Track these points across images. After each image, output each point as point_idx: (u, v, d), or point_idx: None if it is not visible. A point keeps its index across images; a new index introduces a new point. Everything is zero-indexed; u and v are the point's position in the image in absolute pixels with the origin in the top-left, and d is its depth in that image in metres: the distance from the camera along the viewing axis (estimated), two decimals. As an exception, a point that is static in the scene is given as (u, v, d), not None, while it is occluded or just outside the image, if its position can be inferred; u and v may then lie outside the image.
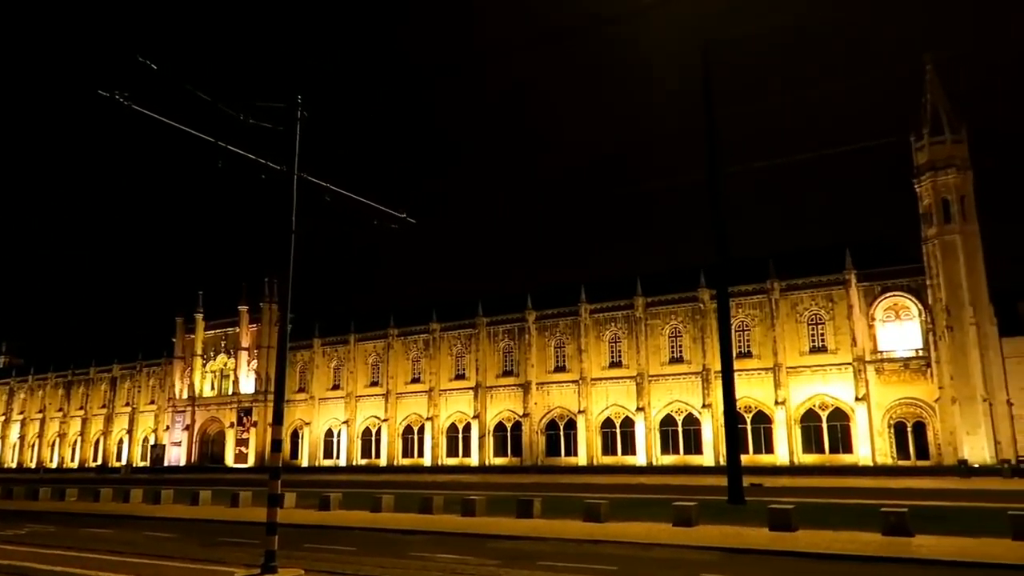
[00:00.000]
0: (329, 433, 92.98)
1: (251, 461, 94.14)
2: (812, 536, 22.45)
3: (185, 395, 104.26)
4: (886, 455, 61.87)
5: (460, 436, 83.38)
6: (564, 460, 75.75)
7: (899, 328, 63.77)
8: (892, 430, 62.53)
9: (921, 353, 61.79)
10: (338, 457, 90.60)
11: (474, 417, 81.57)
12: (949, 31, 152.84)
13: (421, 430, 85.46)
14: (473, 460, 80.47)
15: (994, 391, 57.68)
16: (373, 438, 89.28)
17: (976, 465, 54.32)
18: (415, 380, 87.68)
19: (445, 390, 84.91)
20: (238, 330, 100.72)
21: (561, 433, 77.36)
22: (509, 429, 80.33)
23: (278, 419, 18.45)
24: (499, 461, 79.62)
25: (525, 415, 78.50)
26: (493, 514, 29.92)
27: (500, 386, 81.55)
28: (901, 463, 60.67)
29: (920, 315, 62.34)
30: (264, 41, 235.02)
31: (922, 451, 60.85)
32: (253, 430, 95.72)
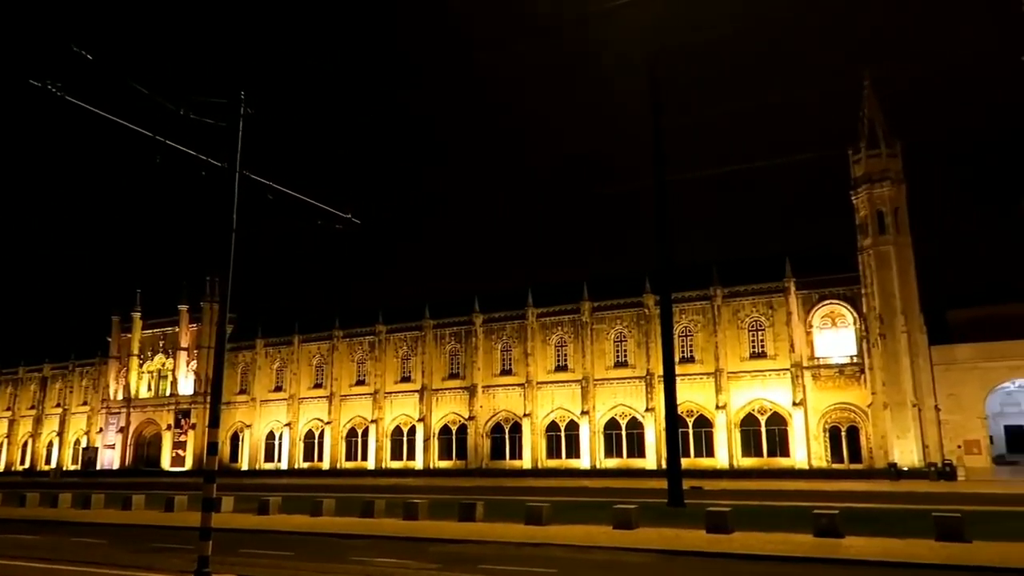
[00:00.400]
0: (271, 436, 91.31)
1: (188, 464, 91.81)
2: (747, 538, 22.97)
3: (120, 396, 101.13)
4: (821, 458, 63.62)
5: (405, 439, 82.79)
6: (509, 463, 75.89)
7: (835, 335, 65.67)
8: (827, 434, 64.34)
9: (855, 360, 63.74)
10: (279, 460, 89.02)
11: (419, 420, 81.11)
12: (890, 47, 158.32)
13: (365, 433, 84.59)
14: (418, 463, 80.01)
15: (923, 397, 59.83)
16: (316, 441, 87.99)
17: (905, 468, 56.26)
18: (360, 382, 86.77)
19: (390, 392, 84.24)
20: (177, 329, 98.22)
21: (506, 436, 77.48)
22: (454, 432, 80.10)
23: (214, 421, 18.04)
24: (444, 464, 79.33)
25: (470, 418, 78.39)
26: (435, 518, 29.81)
27: (446, 389, 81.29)
28: (835, 466, 62.43)
29: (855, 323, 64.31)
30: (215, 35, 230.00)
31: (855, 454, 62.76)
32: (191, 432, 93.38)
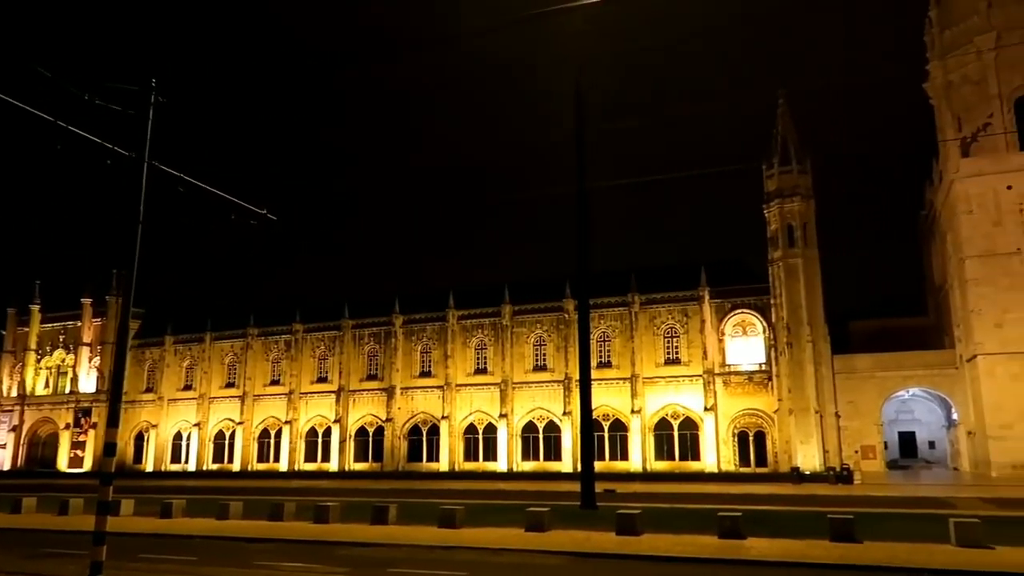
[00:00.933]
0: (178, 436, 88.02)
1: (87, 465, 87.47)
2: (655, 540, 23.53)
3: (14, 393, 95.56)
4: (730, 462, 65.75)
5: (320, 440, 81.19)
6: (426, 466, 75.44)
7: (746, 343, 68.01)
8: (736, 439, 66.56)
9: (764, 367, 66.16)
10: (187, 462, 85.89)
11: (335, 421, 79.71)
12: (806, 65, 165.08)
13: (279, 434, 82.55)
14: (332, 465, 78.58)
15: (825, 404, 62.61)
16: (226, 442, 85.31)
17: (807, 472, 58.73)
18: (274, 382, 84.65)
19: (306, 393, 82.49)
20: (80, 324, 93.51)
21: (424, 439, 76.99)
22: (371, 434, 79.07)
23: (113, 421, 17.29)
24: (359, 466, 78.21)
25: (388, 420, 77.55)
26: (347, 520, 29.36)
27: (364, 390, 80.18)
28: (743, 470, 64.64)
29: (764, 332, 66.76)
30: (127, 19, 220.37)
31: (761, 459, 65.13)
32: (92, 432, 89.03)
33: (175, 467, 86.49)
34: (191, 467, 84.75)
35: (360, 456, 79.06)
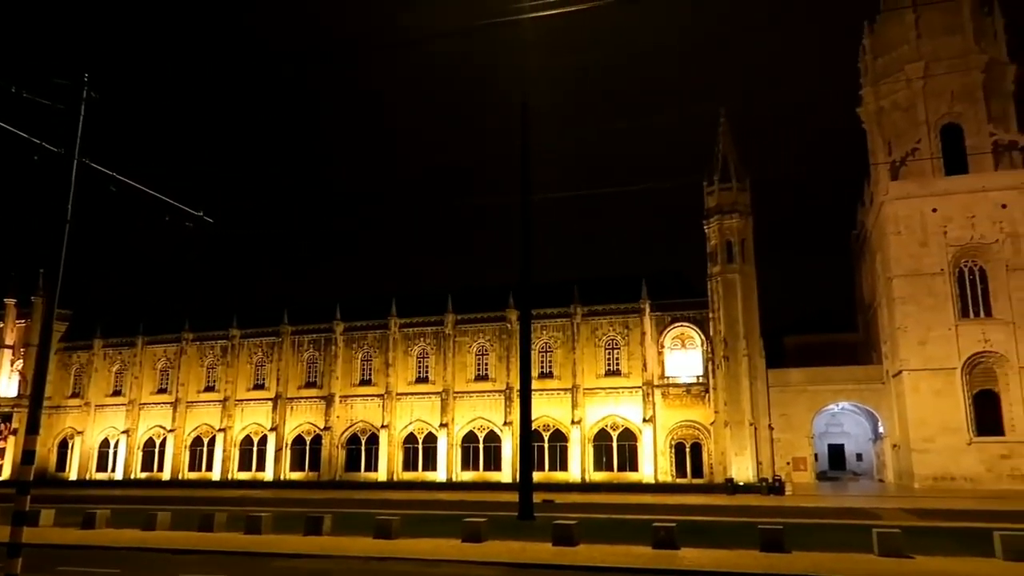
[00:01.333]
0: (105, 443, 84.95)
1: (6, 474, 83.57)
2: (591, 550, 23.67)
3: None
4: (667, 473, 66.69)
5: (255, 449, 79.37)
6: (364, 475, 74.44)
7: (685, 356, 69.21)
8: (673, 450, 67.57)
9: (701, 380, 67.38)
10: (114, 470, 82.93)
11: (271, 429, 78.03)
12: (747, 85, 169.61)
13: (212, 442, 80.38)
14: (267, 474, 76.87)
15: (759, 416, 64.12)
16: (157, 450, 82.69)
17: (741, 483, 59.96)
18: (209, 388, 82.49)
19: (242, 400, 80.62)
20: (2, 325, 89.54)
21: (363, 448, 75.99)
22: (308, 443, 77.67)
23: (33, 427, 16.60)
24: (296, 476, 76.71)
25: (326, 428, 76.30)
26: (280, 531, 28.72)
27: (302, 398, 78.77)
28: (679, 480, 65.64)
29: (702, 345, 68.06)
30: (60, 13, 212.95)
31: (697, 470, 66.26)
32: (12, 439, 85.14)
33: (101, 476, 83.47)
34: (118, 476, 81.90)
35: (296, 465, 77.57)
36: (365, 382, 77.45)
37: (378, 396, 75.72)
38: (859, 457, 76.51)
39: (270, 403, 79.03)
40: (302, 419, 78.21)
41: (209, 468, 79.66)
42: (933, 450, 57.07)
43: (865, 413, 70.29)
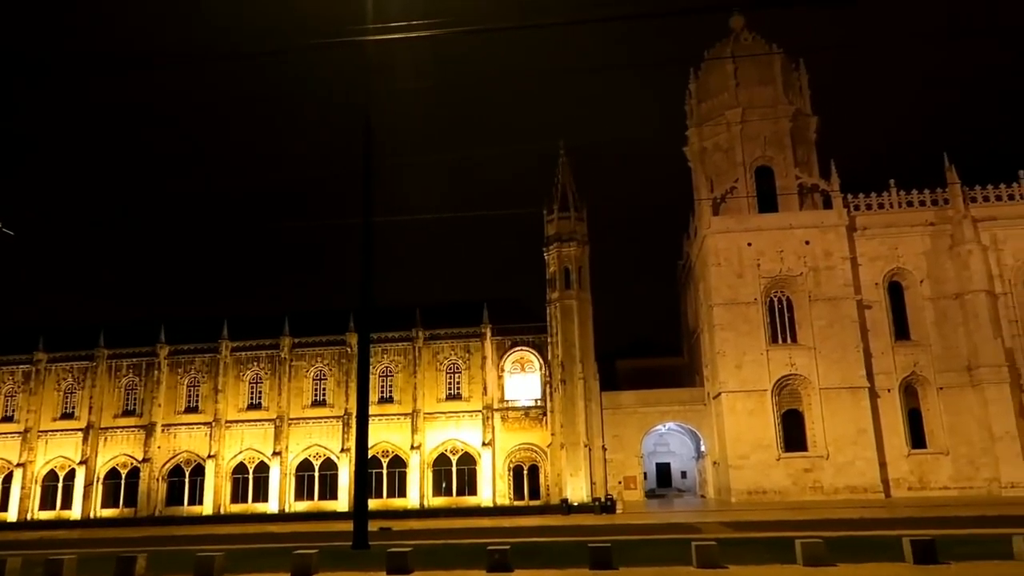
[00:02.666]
0: None
1: None
2: (426, 577, 23.40)
3: None
4: (505, 496, 67.43)
5: (61, 485, 71.98)
6: (187, 509, 69.53)
7: (524, 379, 70.65)
8: (512, 472, 68.52)
9: (539, 403, 69.01)
10: None
11: (81, 463, 71.14)
12: (586, 120, 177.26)
13: (8, 478, 72.08)
14: (75, 512, 69.85)
15: (593, 438, 66.51)
16: (-61, 489, 73.02)
17: (576, 503, 61.71)
18: (7, 419, 74.10)
19: (46, 431, 73.03)
20: None
21: (186, 480, 71.05)
22: (124, 476, 71.54)
23: None
24: (108, 513, 70.31)
25: (145, 460, 70.66)
26: (85, 575, 26.14)
27: (118, 427, 72.53)
28: (517, 503, 66.57)
29: (541, 368, 69.81)
30: None
31: (534, 491, 67.54)
32: None
33: None
34: None
35: (110, 501, 71.18)
36: (191, 409, 72.71)
37: (205, 424, 71.28)
38: (683, 475, 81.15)
39: (80, 433, 72.17)
40: (118, 450, 72.03)
41: (4, 508, 71.32)
42: (747, 466, 61.64)
43: (689, 433, 74.74)
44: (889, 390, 63.05)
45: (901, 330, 65.03)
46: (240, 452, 70.78)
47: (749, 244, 65.84)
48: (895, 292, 65.94)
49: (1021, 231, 64.65)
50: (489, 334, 70.32)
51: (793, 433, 62.74)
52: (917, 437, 62.92)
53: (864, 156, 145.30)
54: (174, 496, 70.86)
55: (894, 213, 66.78)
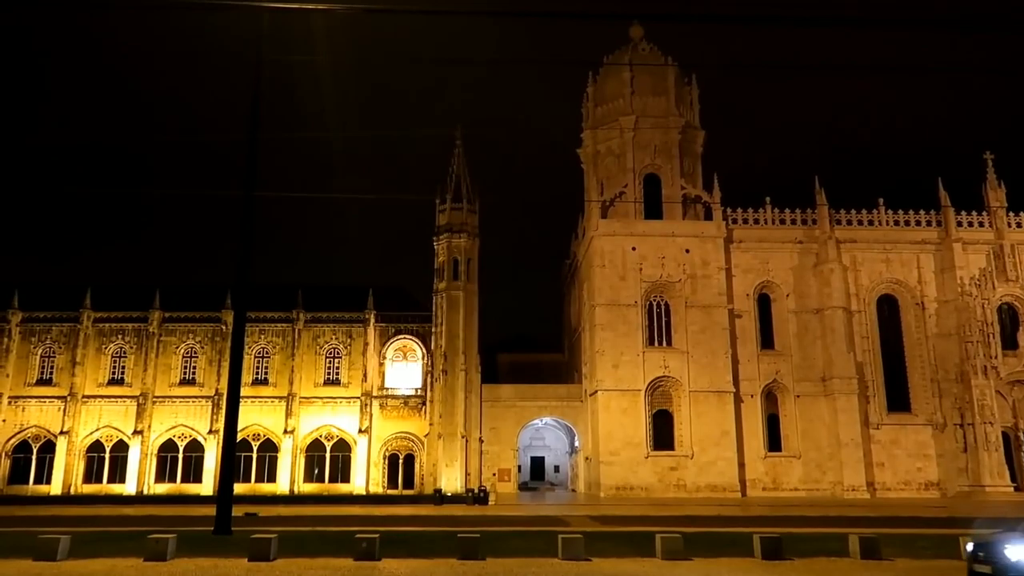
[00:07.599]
0: None
1: None
2: (289, 564, 22.82)
3: None
4: (379, 484, 66.80)
5: None
6: (33, 488, 64.91)
7: (406, 368, 70.14)
8: (387, 461, 67.95)
9: (420, 392, 68.74)
10: None
11: (-89, 434, 65.06)
12: (485, 115, 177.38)
13: None
14: (-101, 489, 63.84)
15: (472, 429, 66.93)
16: None
17: (449, 493, 61.82)
18: None
19: None
20: None
21: (34, 457, 66.28)
22: (-39, 451, 65.94)
23: None
24: (-60, 490, 64.64)
25: (-12, 434, 65.40)
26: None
27: (-43, 398, 66.77)
28: (390, 492, 66.09)
29: (424, 358, 69.51)
30: None
31: (409, 481, 67.27)
32: None
33: None
34: None
35: (-58, 478, 65.46)
36: (44, 382, 67.89)
37: (59, 398, 66.72)
38: (557, 469, 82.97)
39: (-89, 403, 65.97)
40: (-45, 423, 66.30)
41: None
42: (617, 462, 63.72)
43: (565, 428, 76.45)
44: (752, 396, 66.75)
45: (767, 340, 68.93)
46: (97, 429, 66.70)
47: (634, 248, 67.94)
48: (763, 303, 69.81)
49: (877, 254, 69.92)
50: (373, 320, 69.35)
51: (662, 432, 65.36)
52: (774, 441, 66.98)
53: (745, 171, 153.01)
54: (18, 474, 65.99)
55: (767, 229, 70.65)
